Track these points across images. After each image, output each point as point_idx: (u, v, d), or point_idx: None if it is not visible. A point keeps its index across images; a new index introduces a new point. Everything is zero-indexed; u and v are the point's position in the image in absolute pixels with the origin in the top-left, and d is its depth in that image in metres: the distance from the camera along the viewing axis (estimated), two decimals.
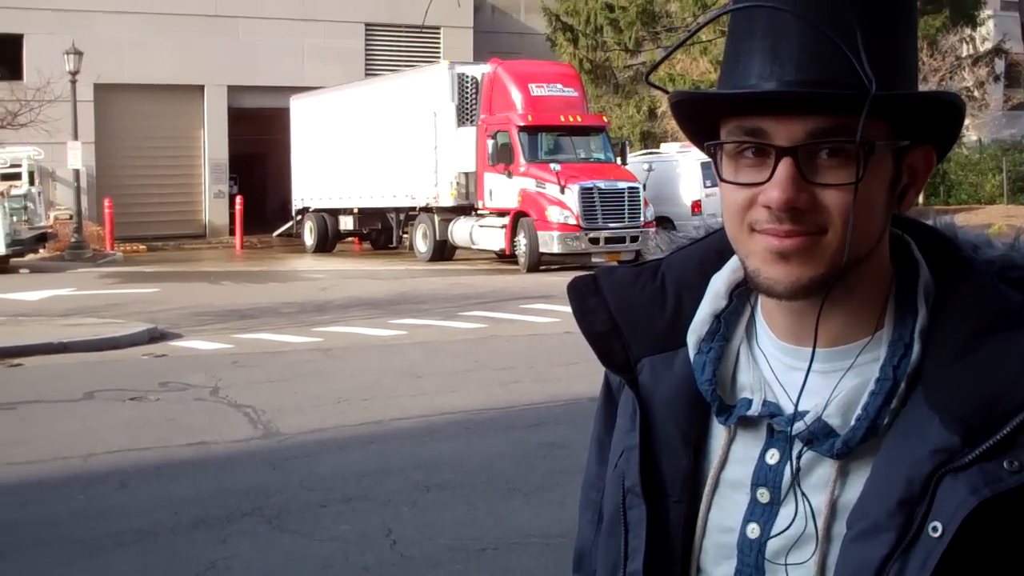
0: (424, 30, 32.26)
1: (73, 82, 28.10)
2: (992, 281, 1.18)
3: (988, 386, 1.11)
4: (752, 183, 1.13)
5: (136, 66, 32.88)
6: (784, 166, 1.10)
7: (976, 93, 32.17)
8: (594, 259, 22.56)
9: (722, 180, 1.17)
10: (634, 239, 22.45)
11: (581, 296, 1.34)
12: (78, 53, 28.11)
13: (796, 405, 1.18)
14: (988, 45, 34.29)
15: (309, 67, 34.41)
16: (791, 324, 1.21)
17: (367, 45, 36.52)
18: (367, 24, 36.33)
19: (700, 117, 1.20)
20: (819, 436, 1.16)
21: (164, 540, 6.39)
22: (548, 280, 20.27)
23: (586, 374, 9.67)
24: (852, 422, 1.15)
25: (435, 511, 6.79)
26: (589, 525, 1.43)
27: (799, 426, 1.17)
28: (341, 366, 12.00)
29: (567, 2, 33.29)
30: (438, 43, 36.34)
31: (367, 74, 34.51)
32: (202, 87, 34.34)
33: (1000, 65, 34.79)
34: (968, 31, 32.97)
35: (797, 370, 1.20)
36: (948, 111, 1.16)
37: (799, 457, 1.18)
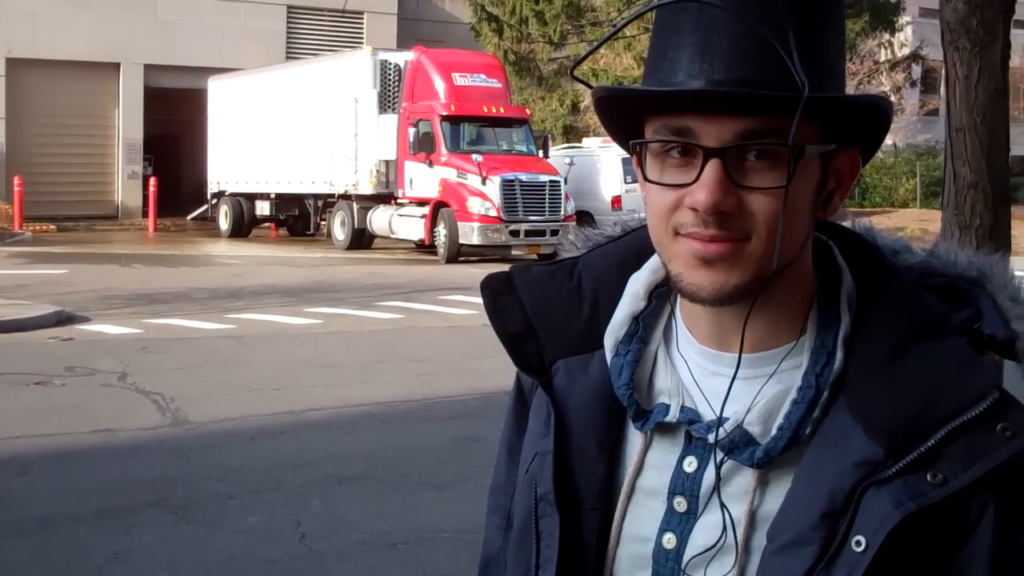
0: (347, 15, 32.02)
1: None
2: (916, 289, 1.17)
3: (912, 397, 1.09)
4: (678, 184, 1.09)
5: (50, 41, 32.07)
6: (711, 167, 1.07)
7: (893, 98, 32.78)
8: (514, 251, 22.61)
9: (647, 180, 1.13)
10: (554, 232, 22.50)
11: (495, 295, 1.30)
12: None
13: (720, 412, 1.15)
14: (906, 51, 34.97)
15: (229, 48, 33.87)
16: (713, 328, 1.18)
17: (289, 28, 36.05)
18: (289, 7, 35.87)
19: (624, 113, 1.16)
20: (739, 445, 1.13)
21: (66, 529, 6.24)
22: (467, 272, 20.21)
23: (503, 368, 9.60)
24: (773, 431, 1.13)
25: (346, 504, 6.72)
26: (496, 531, 1.39)
27: (719, 433, 1.14)
28: (253, 354, 11.84)
29: None
30: (361, 28, 36.03)
31: (288, 57, 34.08)
32: (118, 65, 33.60)
33: (917, 71, 35.50)
34: (887, 36, 33.56)
35: (717, 375, 1.18)
36: (877, 115, 1.13)
37: (720, 466, 1.15)
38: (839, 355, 1.13)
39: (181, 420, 8.79)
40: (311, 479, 7.18)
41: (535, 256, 22.22)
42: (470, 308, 15.10)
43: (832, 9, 1.11)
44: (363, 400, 9.57)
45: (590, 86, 1.20)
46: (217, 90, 31.22)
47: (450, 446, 8.10)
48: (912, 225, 26.45)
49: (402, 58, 25.05)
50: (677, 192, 1.09)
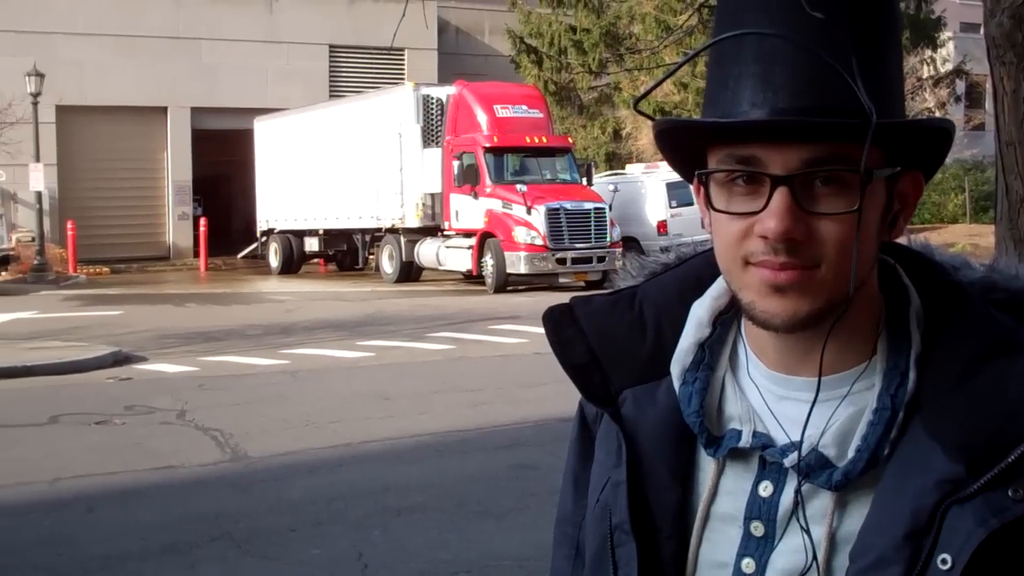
0: (388, 52, 32.29)
1: (35, 104, 27.92)
2: (984, 305, 1.17)
3: (990, 414, 1.09)
4: (746, 212, 1.11)
5: (98, 88, 32.69)
6: (780, 195, 1.08)
7: (937, 114, 32.55)
8: (561, 279, 22.61)
9: (714, 209, 1.14)
10: (600, 259, 22.52)
11: (557, 327, 1.31)
12: (39, 75, 27.91)
13: (801, 436, 1.15)
14: (949, 66, 34.71)
15: (273, 88, 34.31)
16: (782, 353, 1.19)
17: (331, 67, 36.46)
18: (331, 46, 36.28)
19: (686, 144, 1.18)
20: (816, 467, 1.14)
21: (132, 566, 6.31)
22: (515, 300, 20.24)
23: (556, 395, 9.63)
24: (851, 453, 1.13)
25: (406, 535, 6.75)
26: (565, 561, 1.39)
27: (794, 457, 1.15)
28: (308, 388, 11.93)
29: (531, 24, 33.39)
30: (402, 65, 36.34)
31: (331, 96, 34.44)
32: (165, 108, 34.15)
33: (961, 86, 35.22)
34: (929, 52, 33.35)
35: (787, 399, 1.18)
36: (940, 137, 1.15)
37: (798, 490, 1.15)
38: (912, 375, 1.14)
39: (240, 455, 8.87)
40: (371, 510, 7.22)
41: (582, 283, 22.21)
42: (520, 337, 15.12)
43: (891, 32, 1.12)
44: (419, 431, 9.62)
45: (652, 118, 1.21)
46: (263, 130, 31.61)
47: (506, 474, 8.11)
48: (963, 240, 26.17)
49: (444, 92, 25.24)
50: (745, 221, 1.11)
